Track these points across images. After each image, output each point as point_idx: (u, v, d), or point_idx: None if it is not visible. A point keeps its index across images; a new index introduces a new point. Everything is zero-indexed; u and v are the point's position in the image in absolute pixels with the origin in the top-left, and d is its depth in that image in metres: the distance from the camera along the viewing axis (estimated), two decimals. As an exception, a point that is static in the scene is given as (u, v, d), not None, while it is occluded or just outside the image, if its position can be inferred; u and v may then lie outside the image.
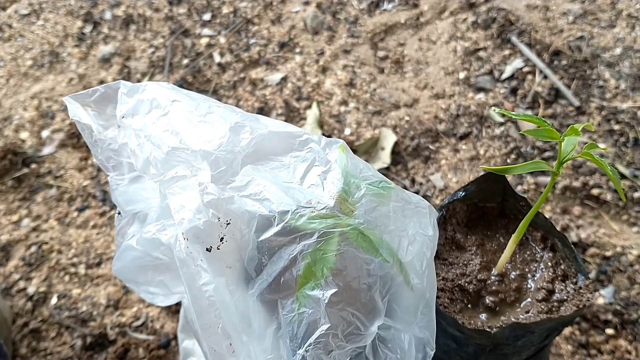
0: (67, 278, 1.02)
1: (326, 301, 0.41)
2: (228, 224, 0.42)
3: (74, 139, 1.22)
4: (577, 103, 1.18)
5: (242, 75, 1.32)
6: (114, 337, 0.94)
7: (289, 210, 0.45)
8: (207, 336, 0.40)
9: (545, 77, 1.23)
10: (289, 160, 0.48)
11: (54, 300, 0.99)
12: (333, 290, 0.43)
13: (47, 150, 1.21)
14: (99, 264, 1.03)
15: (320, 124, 1.20)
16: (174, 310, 0.97)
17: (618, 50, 1.26)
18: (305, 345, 0.40)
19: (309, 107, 1.23)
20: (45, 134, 1.23)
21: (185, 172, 0.46)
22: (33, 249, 1.06)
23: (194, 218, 0.43)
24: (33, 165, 1.18)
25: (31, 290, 1.00)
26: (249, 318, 0.42)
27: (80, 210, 1.11)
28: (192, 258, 0.41)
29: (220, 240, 0.42)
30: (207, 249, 0.42)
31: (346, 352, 0.41)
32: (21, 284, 1.01)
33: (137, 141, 0.48)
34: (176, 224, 0.42)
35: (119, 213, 0.59)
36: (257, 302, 0.44)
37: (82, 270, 1.03)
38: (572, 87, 1.21)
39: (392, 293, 0.45)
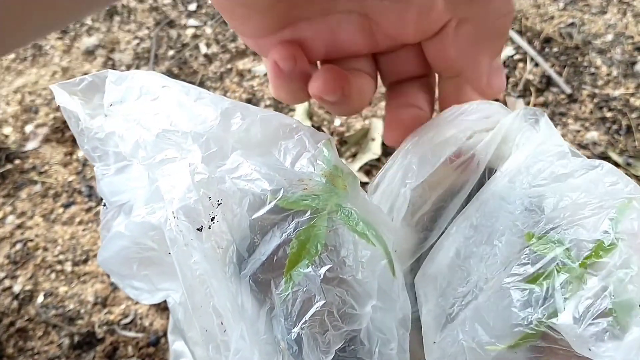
0: (53, 276, 0.99)
1: (321, 277, 0.41)
2: (220, 204, 0.41)
3: (58, 133, 1.19)
4: (569, 91, 1.17)
5: (229, 66, 1.29)
6: (102, 335, 0.92)
7: (281, 188, 0.44)
8: (198, 316, 0.39)
9: (537, 64, 1.22)
10: (279, 146, 0.48)
11: (40, 298, 0.97)
12: (327, 267, 0.42)
13: (31, 145, 1.18)
14: (85, 261, 1.01)
15: (310, 114, 1.18)
16: (163, 307, 0.95)
17: (609, 37, 1.25)
18: (301, 323, 0.39)
19: (299, 98, 1.22)
20: (28, 128, 1.21)
21: (175, 154, 0.45)
22: (18, 246, 1.03)
23: (185, 197, 0.42)
24: (17, 161, 1.15)
25: (17, 288, 0.98)
26: (241, 299, 0.41)
27: (66, 206, 1.09)
28: (183, 236, 0.40)
29: (212, 220, 0.41)
30: (197, 229, 0.41)
31: (341, 335, 0.40)
32: (6, 283, 0.99)
33: (125, 125, 0.47)
34: (166, 203, 0.41)
35: (105, 205, 0.58)
36: (250, 282, 0.43)
37: (68, 267, 1.00)
38: (563, 74, 1.20)
39: (379, 274, 0.45)
